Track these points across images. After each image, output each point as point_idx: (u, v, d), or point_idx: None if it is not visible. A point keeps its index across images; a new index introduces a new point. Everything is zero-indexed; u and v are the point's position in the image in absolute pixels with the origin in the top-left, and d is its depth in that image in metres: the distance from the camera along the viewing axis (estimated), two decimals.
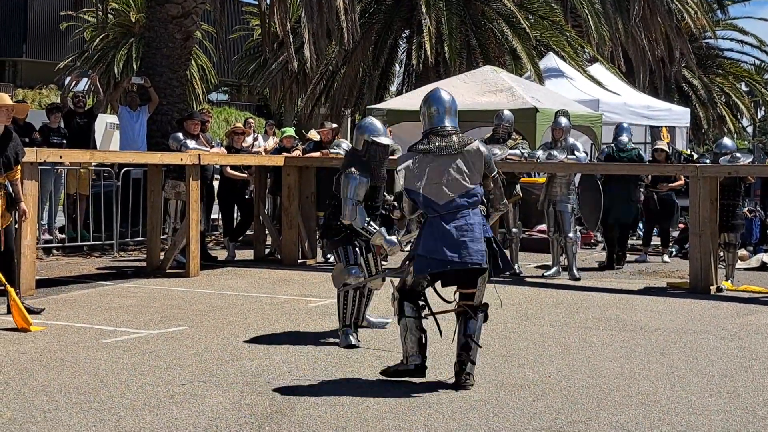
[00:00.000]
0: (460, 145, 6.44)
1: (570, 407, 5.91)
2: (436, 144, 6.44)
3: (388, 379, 6.51)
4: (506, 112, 12.41)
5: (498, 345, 7.69)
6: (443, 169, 6.38)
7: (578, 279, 11.67)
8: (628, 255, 14.02)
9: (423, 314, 6.52)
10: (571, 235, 11.89)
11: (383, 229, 7.35)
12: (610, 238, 13.36)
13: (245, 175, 13.46)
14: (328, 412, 5.72)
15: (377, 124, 7.78)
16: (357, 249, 7.74)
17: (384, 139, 7.66)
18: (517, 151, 11.94)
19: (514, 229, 12.24)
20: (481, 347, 6.42)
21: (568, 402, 6.04)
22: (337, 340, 7.67)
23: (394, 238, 7.27)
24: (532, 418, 5.67)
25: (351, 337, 7.58)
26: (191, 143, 12.14)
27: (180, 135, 12.29)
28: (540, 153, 12.02)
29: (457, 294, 6.47)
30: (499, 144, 11.79)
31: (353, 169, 7.47)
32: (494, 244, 6.43)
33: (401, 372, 6.47)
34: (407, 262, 6.52)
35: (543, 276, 11.99)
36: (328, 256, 13.24)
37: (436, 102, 6.59)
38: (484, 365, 6.81)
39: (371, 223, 7.53)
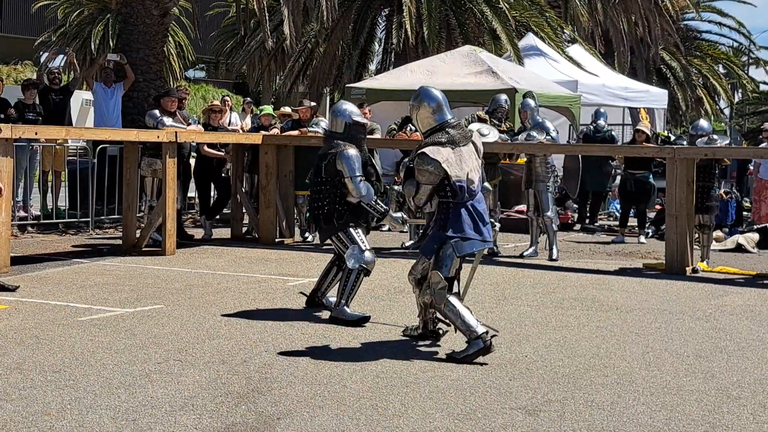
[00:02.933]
0: (469, 135, 6.79)
1: (546, 387, 5.94)
2: (455, 134, 6.70)
3: (365, 358, 6.51)
4: (503, 96, 12.64)
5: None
6: (467, 157, 6.67)
7: (555, 260, 11.70)
8: (605, 235, 14.90)
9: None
10: (549, 213, 11.91)
11: (390, 211, 7.87)
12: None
13: (222, 154, 13.40)
14: (305, 390, 5.71)
15: (353, 106, 8.12)
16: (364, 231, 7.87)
17: (363, 119, 7.96)
18: (505, 135, 12.05)
19: (493, 210, 12.28)
20: None
21: (545, 381, 6.06)
22: (312, 317, 7.67)
23: (399, 215, 7.99)
24: (509, 397, 5.69)
25: (350, 311, 7.69)
26: (168, 120, 12.06)
27: (156, 112, 12.21)
28: (521, 135, 12.10)
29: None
30: (491, 125, 11.88)
31: (348, 149, 7.72)
32: None
33: (474, 355, 6.45)
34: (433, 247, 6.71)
35: (521, 256, 12.01)
36: (306, 235, 13.22)
37: (432, 98, 6.81)
38: (462, 344, 6.82)
39: (377, 200, 7.78)
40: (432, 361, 6.53)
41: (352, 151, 7.71)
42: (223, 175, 13.70)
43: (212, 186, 13.85)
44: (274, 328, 7.43)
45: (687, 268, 10.94)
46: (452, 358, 6.52)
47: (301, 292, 8.55)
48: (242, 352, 6.60)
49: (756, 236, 14.02)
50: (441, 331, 7.05)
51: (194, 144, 13.22)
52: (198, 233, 13.50)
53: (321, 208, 7.84)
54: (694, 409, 5.56)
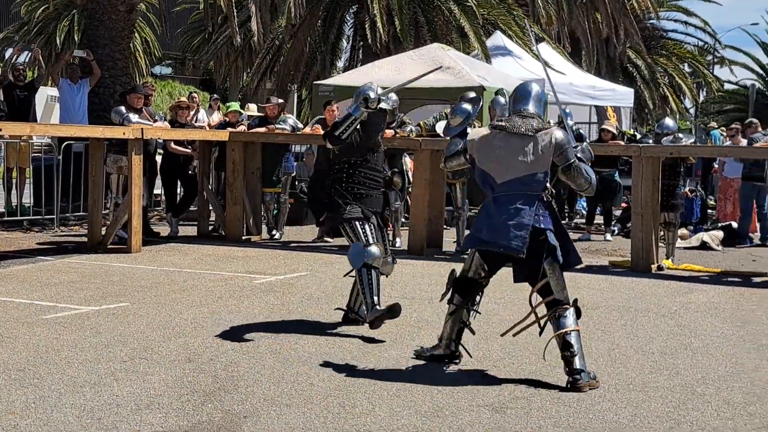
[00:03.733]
0: (535, 129, 6.18)
1: (513, 384, 5.95)
2: (513, 122, 6.23)
3: (333, 356, 6.50)
4: (472, 94, 12.59)
5: (441, 323, 7.70)
6: (512, 148, 6.16)
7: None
8: (571, 233, 14.75)
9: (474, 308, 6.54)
10: None
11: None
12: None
13: (189, 151, 13.33)
14: (272, 389, 5.69)
15: (377, 89, 7.46)
16: (374, 225, 7.39)
17: (382, 104, 7.40)
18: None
19: (461, 208, 12.30)
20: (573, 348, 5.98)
21: (511, 377, 6.08)
22: (277, 318, 7.63)
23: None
24: (476, 394, 5.70)
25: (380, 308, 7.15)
26: (134, 117, 11.99)
27: (122, 109, 12.12)
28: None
29: (536, 296, 6.26)
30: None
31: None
32: (552, 236, 6.13)
33: (435, 357, 6.43)
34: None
35: None
36: (273, 232, 13.18)
37: (522, 90, 6.50)
38: (429, 343, 6.84)
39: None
40: (399, 359, 6.53)
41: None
42: (189, 172, 13.62)
43: (179, 183, 13.77)
44: (240, 326, 7.40)
45: (652, 266, 11.02)
46: (420, 355, 6.51)
47: (338, 308, 7.79)
48: (208, 351, 6.57)
49: (720, 234, 14.15)
50: (581, 384, 5.92)
51: (161, 141, 13.14)
52: (164, 230, 13.42)
53: (325, 192, 7.42)
54: (659, 405, 5.60)
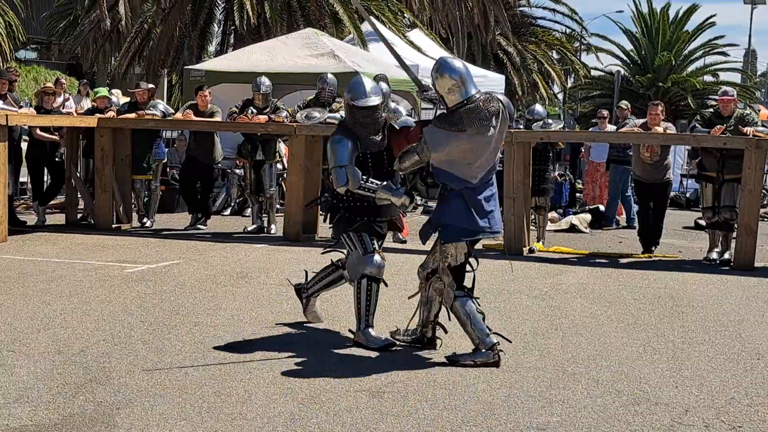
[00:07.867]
0: (491, 114, 5.98)
1: (389, 368, 5.99)
2: (472, 119, 5.95)
3: (207, 345, 6.42)
4: (330, 76, 12.49)
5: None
6: (481, 146, 5.97)
7: (404, 242, 11.80)
8: None
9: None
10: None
11: (388, 183, 6.48)
12: None
13: (55, 137, 12.96)
14: (145, 379, 5.59)
15: (363, 84, 6.68)
16: (373, 236, 6.73)
17: (366, 101, 6.57)
18: (337, 115, 11.95)
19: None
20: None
21: (388, 363, 6.12)
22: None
23: (402, 191, 6.50)
24: (353, 380, 5.72)
25: (375, 335, 6.59)
26: None
27: None
28: None
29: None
30: (321, 107, 11.81)
31: (336, 135, 6.63)
32: None
33: (481, 365, 6.03)
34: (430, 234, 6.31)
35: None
36: (145, 220, 12.93)
37: (452, 71, 6.04)
38: (291, 329, 6.82)
39: (369, 179, 6.48)
40: (276, 346, 6.49)
41: (340, 137, 6.55)
42: (56, 159, 13.25)
43: (45, 170, 13.39)
44: (111, 316, 7.24)
45: (524, 249, 11.24)
46: (454, 360, 6.12)
47: (288, 279, 7.57)
48: (79, 342, 6.41)
49: (588, 216, 14.55)
50: (439, 341, 6.34)
51: (26, 127, 12.75)
52: (31, 219, 13.03)
53: (328, 200, 6.85)
54: (531, 385, 5.72)
